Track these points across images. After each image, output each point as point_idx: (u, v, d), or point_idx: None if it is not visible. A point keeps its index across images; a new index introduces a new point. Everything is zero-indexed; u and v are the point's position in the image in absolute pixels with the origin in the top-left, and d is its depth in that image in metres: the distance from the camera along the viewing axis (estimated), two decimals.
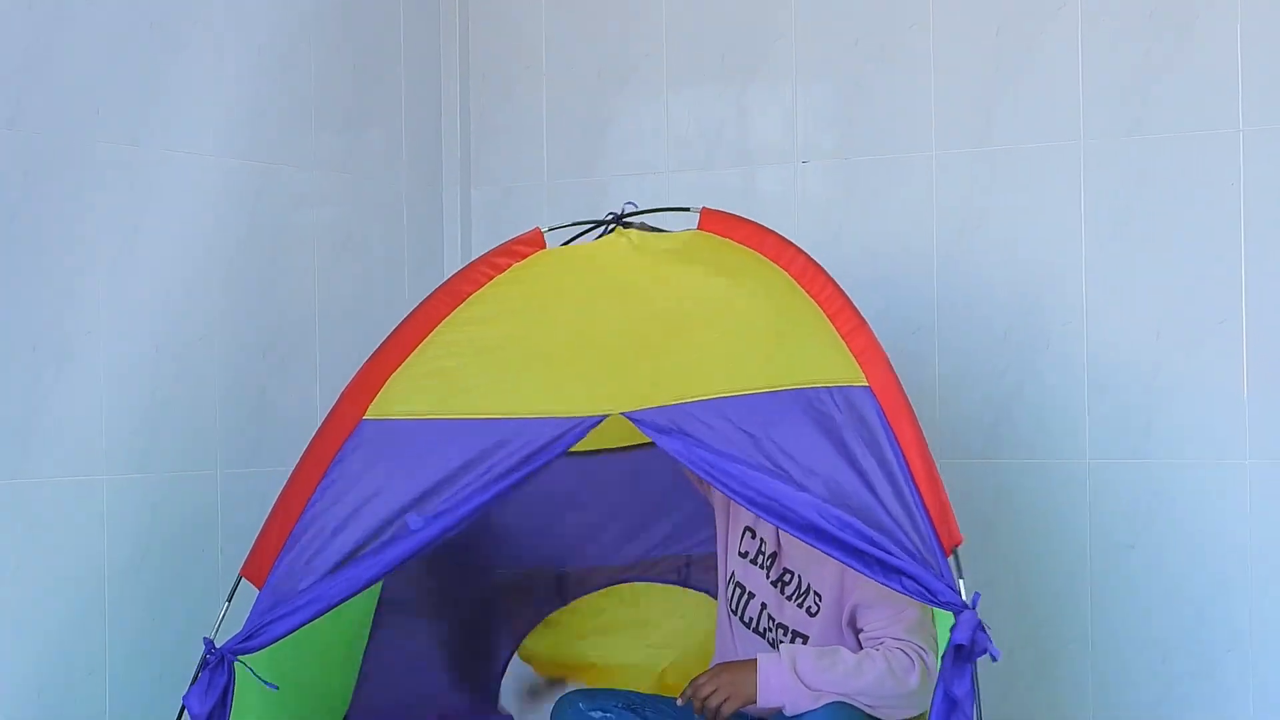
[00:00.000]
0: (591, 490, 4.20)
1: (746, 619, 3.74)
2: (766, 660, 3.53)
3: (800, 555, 3.66)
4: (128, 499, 4.15)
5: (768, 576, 3.71)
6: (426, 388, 3.51)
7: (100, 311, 4.11)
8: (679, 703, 3.55)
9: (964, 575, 3.24)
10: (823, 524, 3.23)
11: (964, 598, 3.19)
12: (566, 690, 3.94)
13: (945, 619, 3.23)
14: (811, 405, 3.34)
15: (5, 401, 3.91)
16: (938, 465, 4.15)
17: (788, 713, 3.51)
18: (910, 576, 3.21)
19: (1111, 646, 4.31)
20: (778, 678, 3.50)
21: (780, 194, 4.61)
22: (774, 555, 3.71)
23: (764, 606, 3.71)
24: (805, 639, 3.64)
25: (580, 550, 4.31)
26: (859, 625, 3.60)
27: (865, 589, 3.55)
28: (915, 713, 3.53)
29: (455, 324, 3.58)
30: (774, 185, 4.63)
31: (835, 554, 3.24)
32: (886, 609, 3.54)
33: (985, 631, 3.17)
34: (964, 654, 3.17)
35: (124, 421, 4.15)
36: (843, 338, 3.42)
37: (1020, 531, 4.41)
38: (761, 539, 3.73)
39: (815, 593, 3.64)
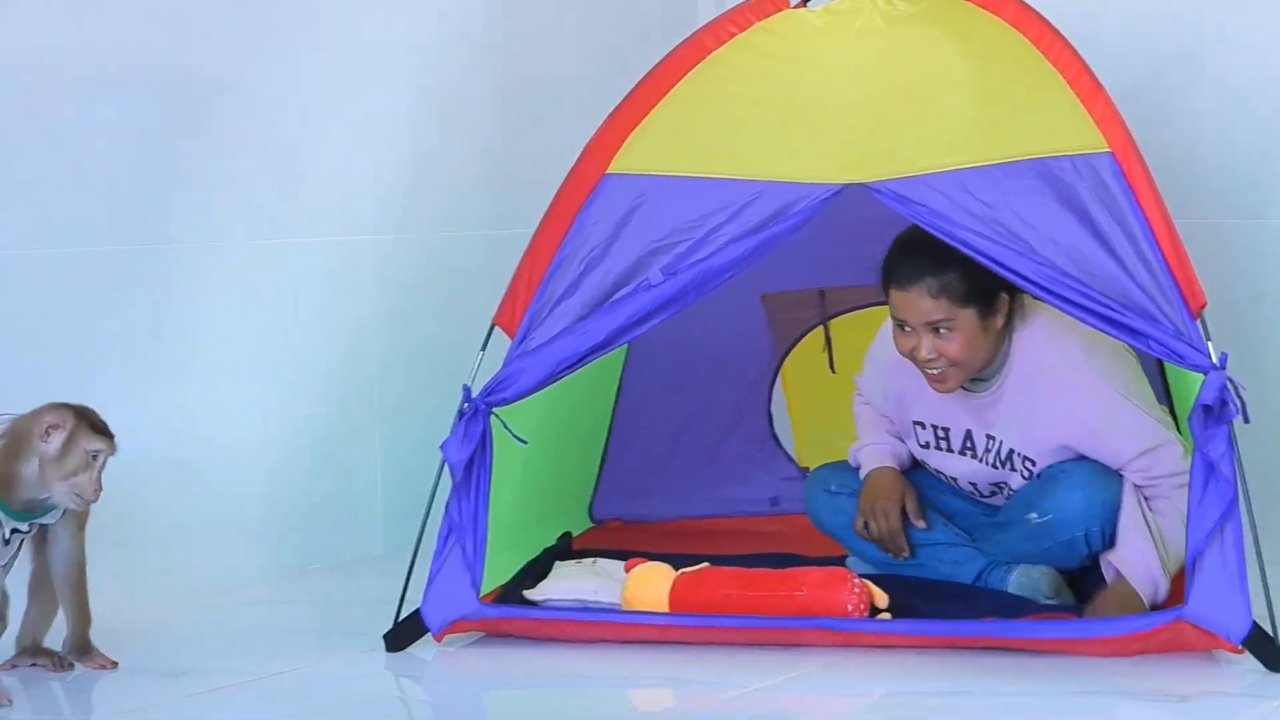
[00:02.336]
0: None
1: (964, 492, 3.75)
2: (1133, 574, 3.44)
3: (970, 414, 3.62)
4: (392, 258, 4.32)
5: (954, 452, 3.67)
6: (668, 145, 3.54)
7: (362, 72, 4.24)
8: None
9: (1211, 337, 3.25)
10: (1067, 293, 3.26)
11: (1211, 359, 3.20)
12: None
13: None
14: (1051, 174, 3.34)
15: (273, 164, 4.07)
16: (1197, 226, 4.13)
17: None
18: (1156, 340, 3.23)
19: None
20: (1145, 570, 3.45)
21: None
22: (946, 429, 3.66)
23: (973, 484, 3.70)
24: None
25: (840, 271, 4.32)
26: (1124, 471, 3.52)
27: (1110, 450, 3.50)
28: None
29: (697, 81, 3.60)
30: None
31: (1090, 320, 3.26)
32: (1142, 459, 3.49)
33: (1233, 391, 3.18)
34: (1212, 415, 3.19)
35: (384, 182, 4.30)
36: (1082, 103, 3.39)
37: None
38: (932, 425, 3.68)
39: (1008, 449, 3.61)
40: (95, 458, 3.14)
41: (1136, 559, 3.43)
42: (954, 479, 3.72)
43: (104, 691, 3.24)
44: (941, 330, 3.47)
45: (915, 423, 3.70)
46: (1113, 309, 3.25)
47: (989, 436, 3.62)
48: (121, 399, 3.79)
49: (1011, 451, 3.60)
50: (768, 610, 3.41)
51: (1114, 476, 3.55)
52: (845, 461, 3.88)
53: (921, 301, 3.46)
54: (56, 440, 3.12)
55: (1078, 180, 3.34)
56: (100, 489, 3.14)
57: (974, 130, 3.43)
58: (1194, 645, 3.26)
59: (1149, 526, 3.44)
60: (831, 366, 4.39)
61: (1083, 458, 3.57)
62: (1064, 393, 3.50)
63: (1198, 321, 3.26)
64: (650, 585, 3.49)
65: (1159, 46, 4.47)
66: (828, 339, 4.39)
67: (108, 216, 3.79)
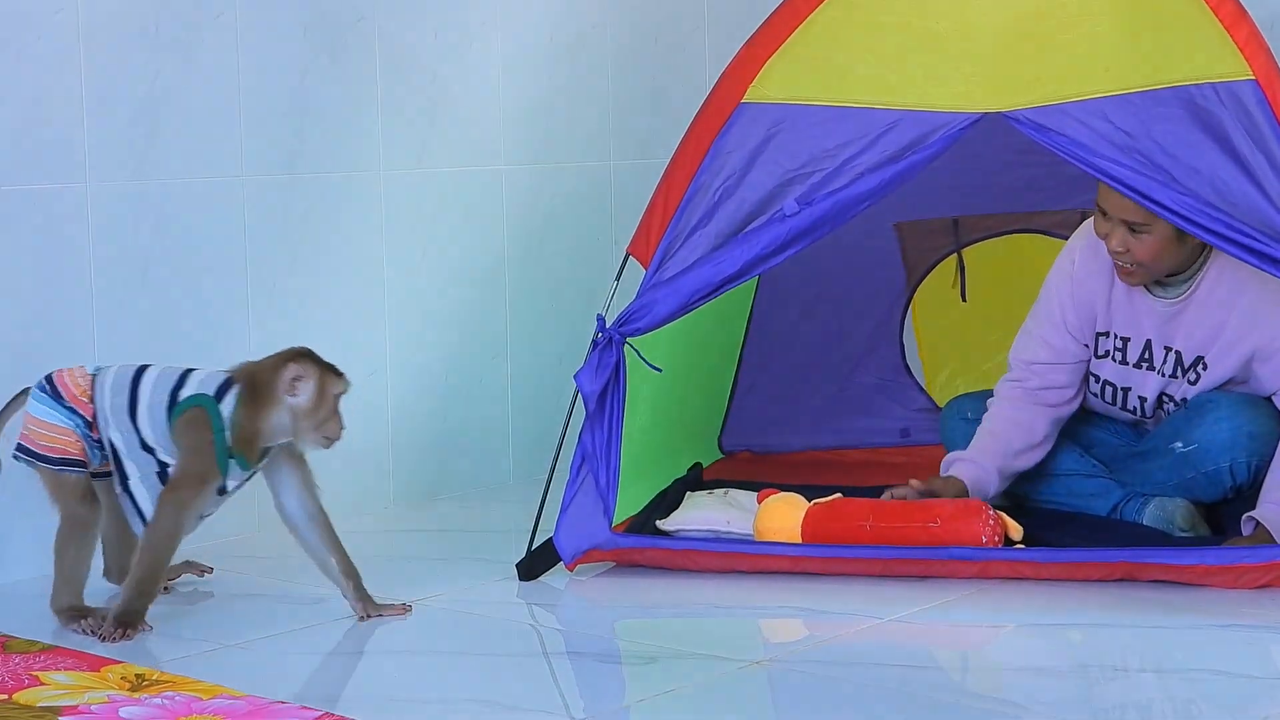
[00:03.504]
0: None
1: (1130, 409, 3.70)
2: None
3: (1155, 324, 3.59)
4: (527, 188, 4.33)
5: (1130, 364, 3.64)
6: (805, 72, 3.52)
7: (496, 4, 4.24)
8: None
9: None
10: (1207, 222, 3.22)
11: None
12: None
13: None
14: (1194, 102, 3.30)
15: (411, 95, 4.09)
16: None
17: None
18: None
19: None
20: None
21: None
22: (1125, 340, 3.62)
23: (1141, 399, 3.66)
24: (1184, 401, 3.60)
25: (975, 199, 4.31)
26: (1266, 378, 3.53)
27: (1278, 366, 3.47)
28: None
29: (834, 8, 3.57)
30: None
31: (1233, 250, 3.22)
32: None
33: None
34: None
35: (520, 113, 4.30)
36: (1226, 30, 3.34)
37: None
38: (1114, 334, 3.64)
39: (1193, 356, 3.57)
40: (338, 400, 3.19)
41: (1274, 512, 3.38)
42: (1125, 391, 3.67)
43: (244, 615, 3.29)
44: (1137, 230, 3.42)
45: (1099, 333, 3.65)
46: (1256, 238, 3.20)
47: (1167, 349, 3.58)
48: (261, 326, 3.85)
49: (1189, 359, 3.56)
50: (901, 541, 3.40)
51: (1263, 409, 3.52)
52: (984, 390, 3.86)
53: (1115, 196, 3.39)
54: (306, 391, 3.15)
55: (1221, 108, 3.29)
56: (344, 429, 3.19)
57: (1115, 57, 3.39)
58: None
59: None
60: (963, 295, 4.37)
61: (1229, 390, 3.53)
62: (1260, 303, 3.44)
63: None
64: (783, 516, 3.49)
65: None
66: (961, 268, 4.36)
67: (252, 147, 3.83)
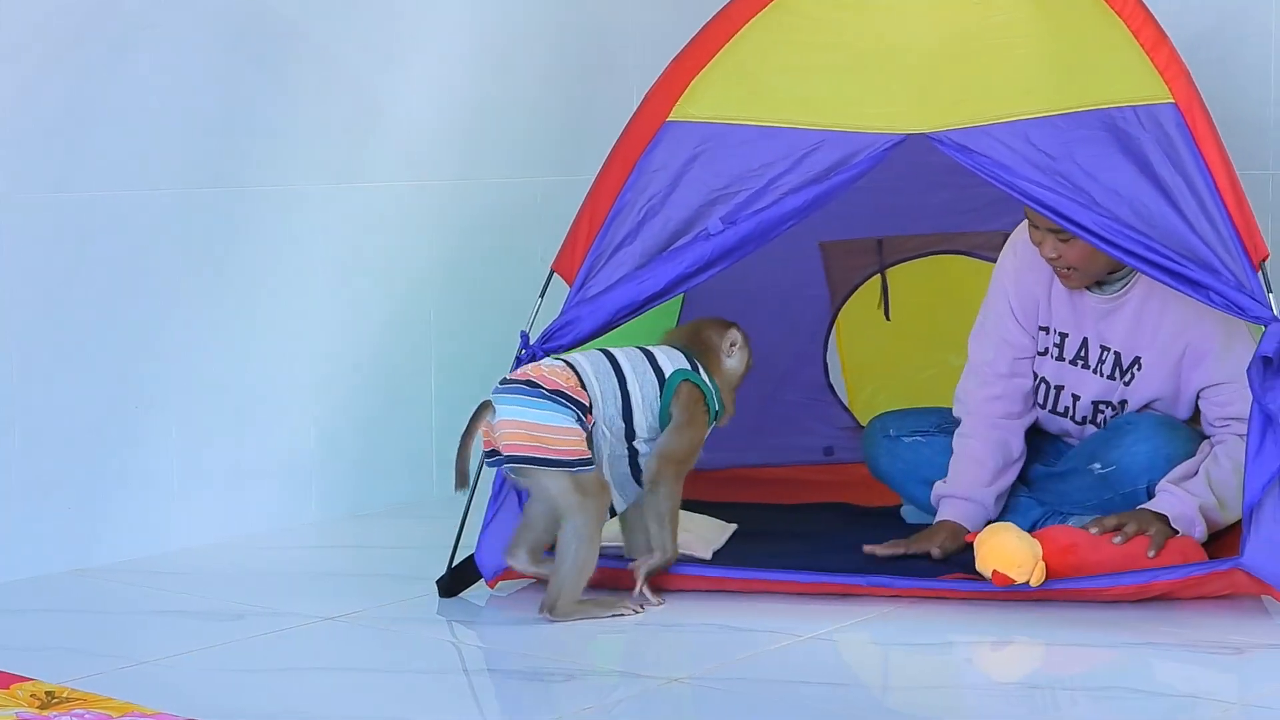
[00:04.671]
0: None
1: (1061, 410, 3.71)
2: (1174, 504, 3.42)
3: (1093, 321, 3.61)
4: (453, 204, 4.32)
5: (1066, 360, 3.66)
6: (730, 92, 3.53)
7: (427, 17, 4.24)
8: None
9: (1272, 289, 3.24)
10: (1126, 243, 3.25)
11: (1273, 310, 3.19)
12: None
13: None
14: (1114, 124, 3.32)
15: (341, 109, 4.08)
16: (1261, 178, 4.10)
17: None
18: (1216, 292, 3.22)
19: None
20: (1186, 513, 3.43)
21: None
22: (1064, 335, 3.64)
23: (1075, 397, 3.67)
24: (1125, 403, 3.62)
25: (899, 220, 4.33)
26: (1202, 400, 3.54)
27: (1212, 367, 3.49)
28: None
29: (760, 28, 3.58)
30: None
31: (1150, 271, 3.24)
32: (1233, 387, 3.46)
33: None
34: (1272, 367, 3.18)
35: (448, 128, 4.30)
36: (1146, 53, 3.37)
37: None
38: (1054, 330, 3.66)
39: (1130, 356, 3.59)
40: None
41: (1174, 501, 3.42)
42: (1059, 389, 3.67)
43: (162, 631, 3.27)
44: (1065, 237, 3.45)
45: (1041, 327, 3.67)
46: (1174, 260, 3.23)
47: (1104, 348, 3.60)
48: (187, 341, 3.83)
49: (1127, 360, 3.58)
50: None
51: (1181, 432, 3.55)
52: (907, 408, 3.87)
53: None
54: (739, 355, 3.46)
55: (1141, 131, 3.32)
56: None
57: (1037, 80, 3.41)
58: (1248, 592, 3.28)
59: (1208, 480, 3.42)
60: (886, 314, 4.39)
61: (1151, 411, 3.57)
62: (1195, 302, 3.40)
63: (1259, 273, 3.25)
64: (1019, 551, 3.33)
65: None
66: (884, 288, 4.39)
67: (179, 159, 3.81)
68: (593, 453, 3.26)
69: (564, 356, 3.35)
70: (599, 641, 3.23)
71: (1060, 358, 3.66)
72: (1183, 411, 3.58)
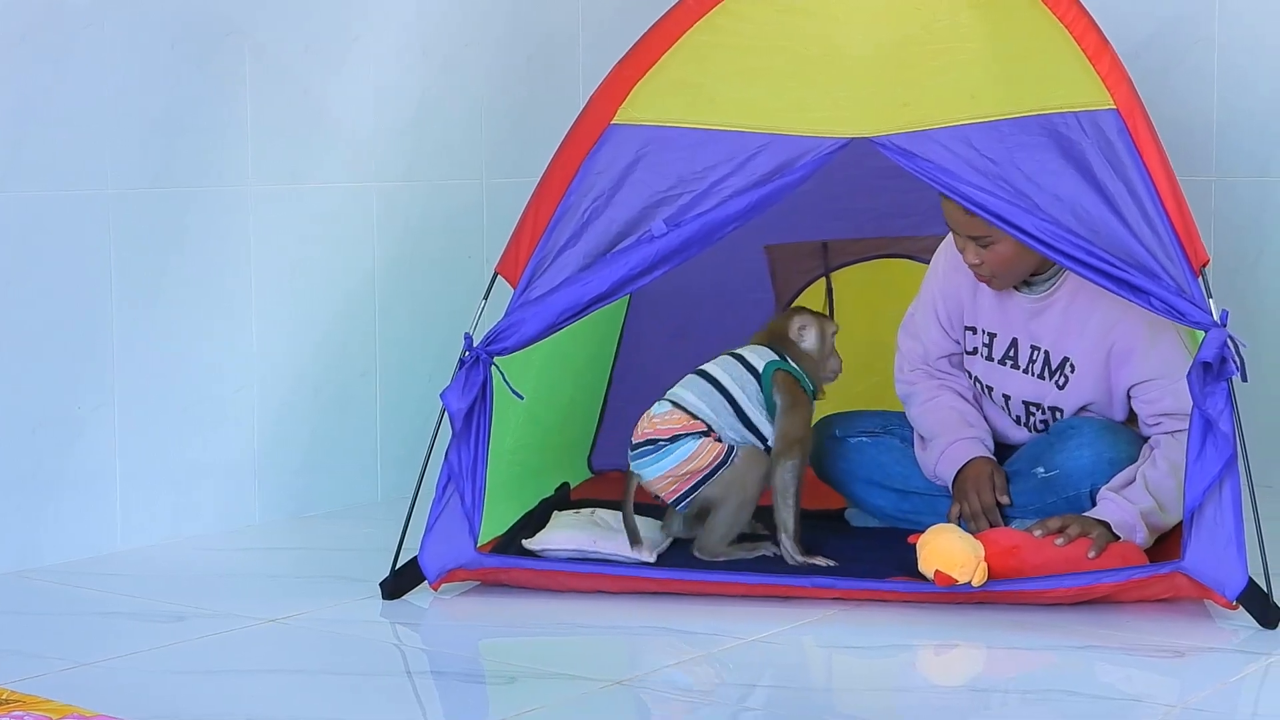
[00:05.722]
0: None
1: (997, 406, 3.75)
2: (1114, 512, 3.43)
3: (1022, 320, 3.64)
4: (397, 206, 4.32)
5: (995, 360, 3.69)
6: (674, 95, 3.53)
7: (370, 18, 4.23)
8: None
9: (1212, 294, 3.26)
10: (1068, 248, 3.26)
11: (1212, 316, 3.21)
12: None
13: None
14: (1057, 130, 3.34)
15: (283, 109, 4.07)
16: (1202, 184, 4.12)
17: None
18: (1157, 297, 3.23)
19: None
20: (1127, 520, 3.44)
21: None
22: (992, 335, 3.67)
23: (1006, 397, 3.70)
24: (1061, 411, 3.64)
25: (844, 223, 4.35)
26: (1134, 400, 3.56)
27: (1138, 364, 3.51)
28: None
29: (705, 32, 3.58)
30: None
31: (1091, 276, 3.26)
32: (1160, 382, 3.49)
33: (1232, 348, 3.19)
34: (1212, 372, 3.19)
35: (392, 130, 4.29)
36: (1088, 59, 3.39)
37: None
38: (982, 330, 3.70)
39: (1060, 356, 3.61)
40: (833, 339, 3.70)
41: (1115, 509, 3.44)
42: (989, 389, 3.71)
43: (103, 634, 3.26)
44: (984, 243, 3.48)
45: (968, 328, 3.71)
46: (1115, 265, 3.25)
47: (1034, 348, 3.62)
48: (131, 342, 3.81)
49: (1056, 359, 3.60)
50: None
51: (1123, 435, 3.57)
52: (852, 411, 3.89)
53: (959, 213, 3.46)
54: (810, 337, 3.66)
55: (1083, 137, 3.33)
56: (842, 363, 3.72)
57: (981, 85, 3.42)
58: (1189, 596, 3.29)
59: (1146, 485, 3.45)
60: (831, 318, 4.39)
61: (1088, 415, 3.59)
62: (1121, 300, 3.43)
63: (1200, 279, 3.27)
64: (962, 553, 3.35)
65: (1165, 4, 4.46)
66: (829, 291, 4.40)
67: (122, 160, 3.79)
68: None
69: (667, 396, 3.59)
70: (542, 644, 3.23)
71: (989, 357, 3.68)
72: (1118, 413, 3.61)
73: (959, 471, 3.65)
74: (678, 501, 3.56)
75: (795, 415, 3.59)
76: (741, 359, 3.62)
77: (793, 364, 3.64)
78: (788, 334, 3.67)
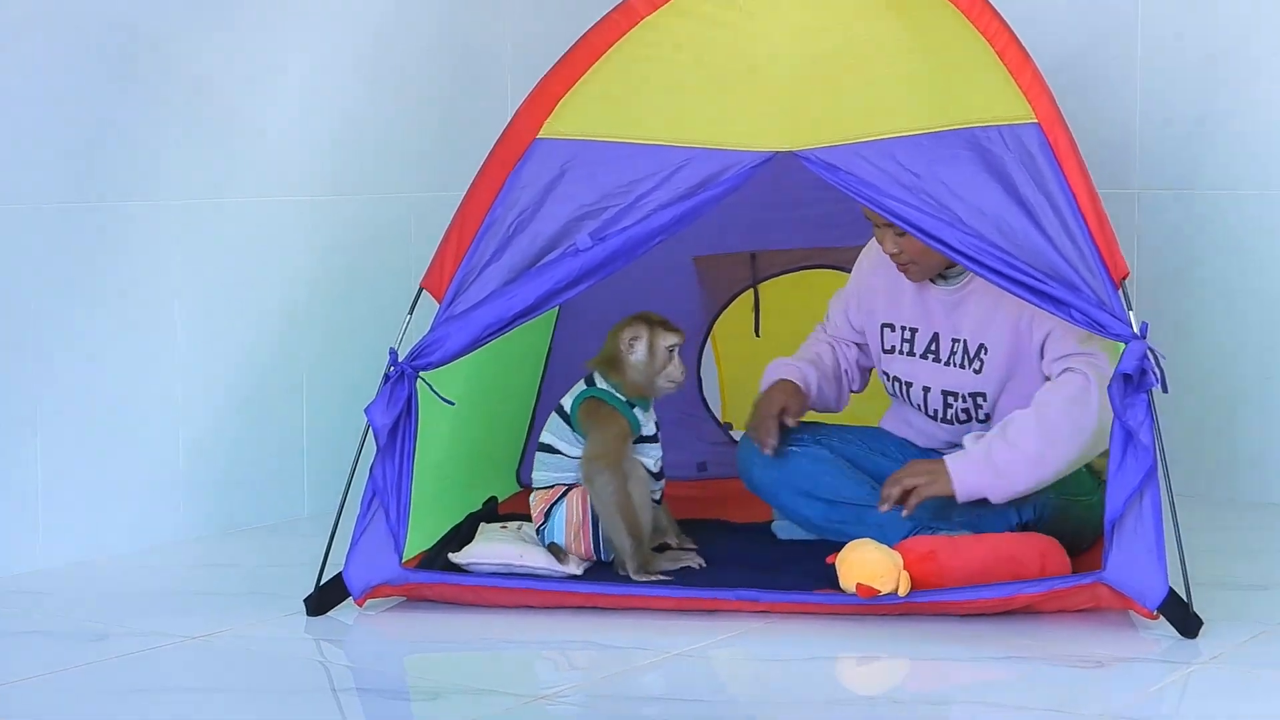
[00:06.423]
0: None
1: (916, 405, 3.79)
2: (957, 462, 3.53)
3: (943, 314, 3.68)
4: (323, 220, 4.30)
5: (916, 355, 3.73)
6: (600, 109, 3.53)
7: (296, 32, 4.21)
8: (882, 509, 3.58)
9: (1133, 307, 3.29)
10: (990, 261, 3.28)
11: (1133, 328, 3.23)
12: None
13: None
14: (979, 144, 3.36)
15: (209, 123, 4.05)
16: (1124, 197, 4.13)
17: (995, 501, 3.54)
18: (1078, 309, 3.26)
19: None
20: (975, 477, 3.52)
21: None
22: (914, 330, 3.73)
23: (926, 389, 3.74)
24: (983, 396, 3.67)
25: (772, 235, 4.36)
26: (1045, 352, 3.60)
27: (1045, 319, 3.55)
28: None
29: (630, 46, 3.58)
30: None
31: (1013, 289, 3.28)
32: (1066, 333, 3.54)
33: (1152, 360, 3.21)
34: (1132, 384, 3.21)
35: (320, 144, 4.28)
36: (1010, 74, 3.41)
37: (1219, 264, 4.40)
38: (901, 326, 3.75)
39: (977, 344, 3.66)
40: (673, 351, 3.66)
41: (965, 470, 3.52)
42: (909, 385, 3.74)
43: (22, 653, 3.23)
44: (900, 229, 3.50)
45: (885, 325, 3.76)
46: (1037, 278, 3.27)
47: (955, 340, 3.67)
48: (52, 357, 3.78)
49: (973, 347, 3.65)
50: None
51: None
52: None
53: None
54: (640, 348, 3.61)
55: (1005, 151, 3.35)
56: (685, 370, 3.71)
57: (904, 99, 3.44)
58: (1111, 606, 3.31)
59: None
60: (757, 330, 4.41)
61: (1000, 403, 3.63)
62: None
63: (1120, 291, 3.29)
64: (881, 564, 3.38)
65: (1086, 20, 4.49)
66: (756, 302, 4.41)
67: (45, 175, 3.76)
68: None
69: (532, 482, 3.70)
70: (467, 659, 3.22)
71: (910, 353, 3.73)
72: (1037, 382, 3.62)
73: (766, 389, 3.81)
74: (597, 550, 3.61)
75: (594, 436, 3.60)
76: (560, 409, 3.68)
77: (603, 385, 3.64)
78: (614, 351, 3.66)
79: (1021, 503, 3.58)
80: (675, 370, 3.66)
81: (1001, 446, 3.50)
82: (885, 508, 3.56)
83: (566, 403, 3.67)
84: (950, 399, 3.70)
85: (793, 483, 3.80)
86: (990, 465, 3.50)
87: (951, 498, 3.55)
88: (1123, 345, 3.25)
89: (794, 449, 3.81)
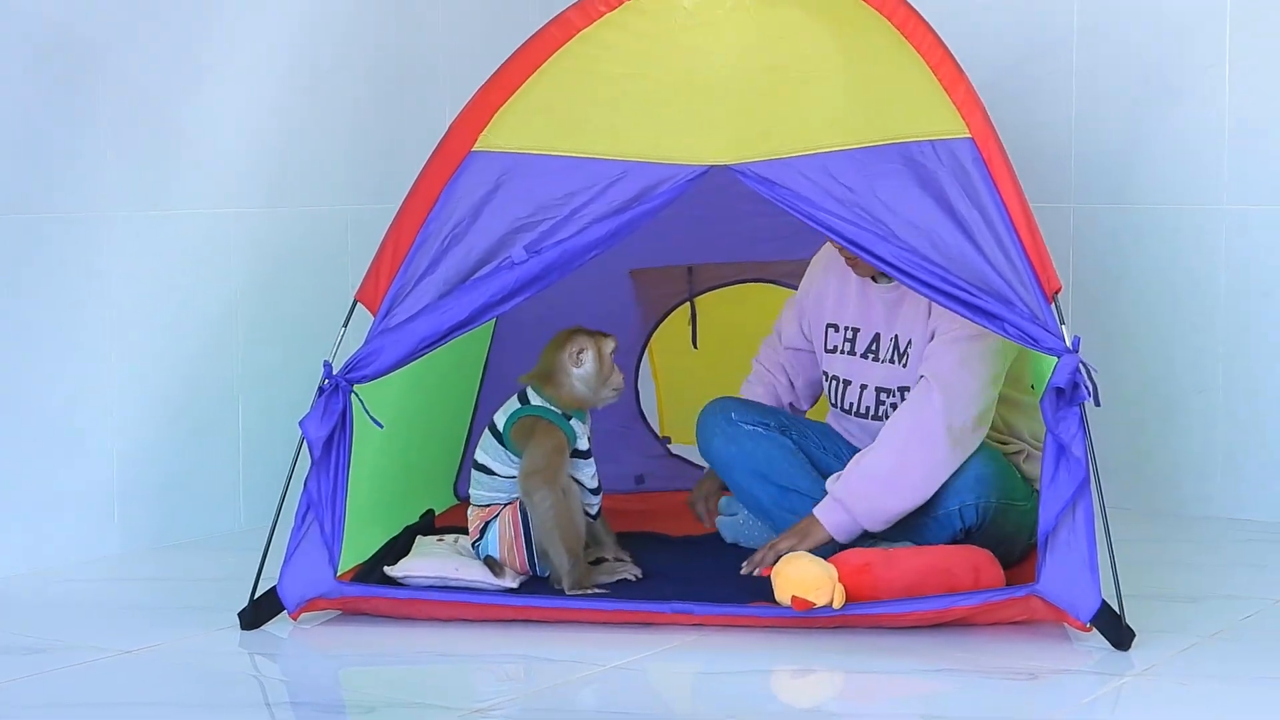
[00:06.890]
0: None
1: (847, 406, 3.82)
2: (821, 509, 3.60)
3: (884, 314, 3.74)
4: (259, 233, 4.29)
5: (857, 354, 3.79)
6: (535, 122, 3.53)
7: (234, 44, 4.20)
8: (743, 571, 3.63)
9: (1065, 321, 3.31)
10: (923, 275, 3.31)
11: (1065, 342, 3.25)
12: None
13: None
14: (913, 158, 3.38)
15: (143, 136, 4.03)
16: (1058, 211, 4.16)
17: (872, 530, 3.60)
18: (1011, 323, 3.28)
19: (1242, 395, 4.35)
20: (841, 514, 3.58)
21: None
22: (855, 330, 3.78)
23: (863, 387, 3.78)
24: (909, 390, 3.69)
25: (709, 248, 4.38)
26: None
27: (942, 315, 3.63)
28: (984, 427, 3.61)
29: (565, 59, 3.59)
30: None
31: (946, 303, 3.30)
32: (944, 340, 3.63)
33: (1084, 374, 3.23)
34: (1064, 397, 3.23)
35: (256, 156, 4.26)
36: (944, 89, 3.42)
37: (1153, 276, 4.43)
38: (845, 326, 3.81)
39: (906, 339, 3.71)
40: (612, 357, 3.68)
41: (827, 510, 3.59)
42: (847, 384, 3.80)
43: None
44: None
45: (830, 325, 3.83)
46: (970, 292, 3.29)
47: (895, 339, 3.73)
48: None
49: (902, 344, 3.72)
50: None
51: (987, 450, 3.62)
52: (751, 401, 3.95)
53: None
54: (589, 358, 3.62)
55: (938, 165, 3.37)
56: (623, 376, 3.74)
57: (839, 114, 3.45)
58: (1044, 618, 3.33)
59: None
60: (694, 343, 4.42)
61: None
62: None
63: (1052, 305, 3.31)
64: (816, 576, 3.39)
65: (1022, 36, 4.52)
66: (693, 315, 4.42)
67: None
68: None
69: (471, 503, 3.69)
70: (402, 673, 3.22)
71: (851, 352, 3.79)
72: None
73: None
74: (531, 565, 3.61)
75: (532, 450, 3.59)
76: (493, 426, 3.67)
77: (538, 400, 3.64)
78: (555, 365, 3.65)
79: (964, 507, 3.59)
80: (618, 378, 3.68)
81: (856, 476, 3.59)
82: (748, 570, 3.62)
83: (500, 420, 3.66)
84: (883, 395, 3.75)
85: (750, 463, 3.81)
86: (851, 498, 3.57)
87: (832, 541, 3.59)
88: (1055, 359, 3.27)
89: (759, 430, 3.82)
